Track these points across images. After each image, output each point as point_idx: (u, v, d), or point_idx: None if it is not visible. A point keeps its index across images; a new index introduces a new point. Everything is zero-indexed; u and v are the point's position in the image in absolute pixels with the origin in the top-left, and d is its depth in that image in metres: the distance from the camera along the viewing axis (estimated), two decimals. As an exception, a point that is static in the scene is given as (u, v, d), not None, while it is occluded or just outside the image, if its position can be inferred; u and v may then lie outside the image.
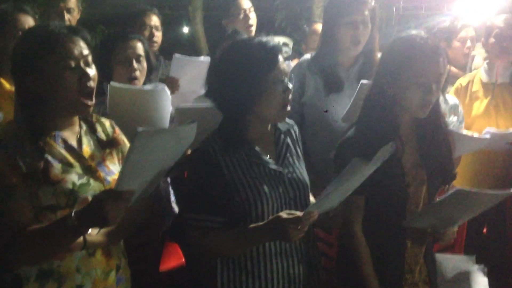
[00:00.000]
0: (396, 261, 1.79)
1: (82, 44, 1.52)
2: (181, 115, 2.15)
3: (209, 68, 1.67)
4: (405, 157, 1.76)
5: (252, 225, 1.57)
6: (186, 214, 1.65)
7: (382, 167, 1.54)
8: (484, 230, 3.00)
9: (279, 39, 5.90)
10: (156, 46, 3.17)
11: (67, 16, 2.99)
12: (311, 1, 5.86)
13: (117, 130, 1.72)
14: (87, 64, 1.52)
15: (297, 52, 6.23)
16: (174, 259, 2.69)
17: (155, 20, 3.17)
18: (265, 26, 6.60)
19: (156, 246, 2.43)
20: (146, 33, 3.10)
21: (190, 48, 7.27)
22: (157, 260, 2.47)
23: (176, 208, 2.57)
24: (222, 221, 1.60)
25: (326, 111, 2.40)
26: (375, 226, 1.78)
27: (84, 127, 1.62)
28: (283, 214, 1.49)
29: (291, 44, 5.75)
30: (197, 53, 6.59)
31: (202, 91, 2.58)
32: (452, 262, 2.00)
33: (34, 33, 1.56)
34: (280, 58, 1.60)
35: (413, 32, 1.73)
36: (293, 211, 1.51)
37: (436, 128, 1.80)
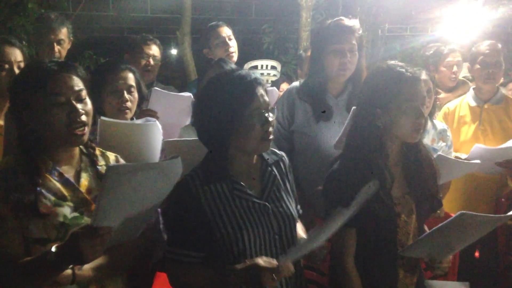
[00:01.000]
0: None
1: (74, 80, 1.53)
2: (170, 148, 2.14)
3: (194, 101, 1.68)
4: (394, 187, 1.77)
5: (228, 267, 1.53)
6: (167, 247, 1.63)
7: (372, 199, 1.55)
8: (476, 254, 3.00)
9: (267, 63, 5.94)
10: (151, 75, 3.13)
11: (57, 48, 2.93)
12: (298, 24, 5.91)
13: None
14: (79, 100, 1.53)
15: (285, 75, 6.28)
16: (164, 289, 2.64)
17: (154, 50, 3.14)
18: (252, 49, 6.65)
19: (147, 276, 2.39)
20: (143, 62, 3.07)
21: (179, 70, 7.28)
22: (148, 291, 2.43)
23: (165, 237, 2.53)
24: (201, 256, 1.59)
25: (324, 111, 2.40)
26: (366, 257, 1.78)
27: (85, 161, 1.63)
28: (261, 261, 1.46)
29: (279, 67, 5.78)
30: (186, 76, 6.60)
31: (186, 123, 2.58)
32: (446, 289, 2.00)
33: (29, 70, 1.59)
34: (259, 91, 1.59)
35: (391, 62, 1.78)
36: (271, 259, 1.48)
37: (418, 154, 1.82)
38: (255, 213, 1.61)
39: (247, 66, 5.89)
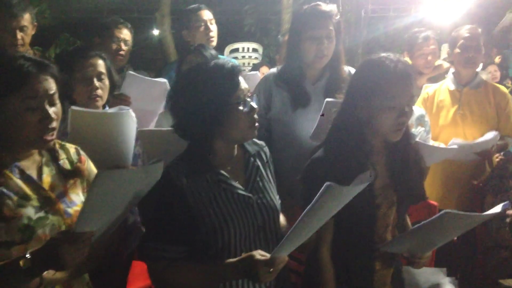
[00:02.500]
0: (363, 283, 1.78)
1: (49, 82, 1.45)
2: (144, 138, 2.09)
3: (168, 94, 1.62)
4: (376, 180, 1.73)
5: (223, 262, 1.51)
6: (146, 243, 1.58)
7: None
8: (454, 239, 3.02)
9: (248, 45, 5.87)
10: (123, 60, 3.03)
11: (19, 35, 2.79)
12: (280, 6, 5.84)
13: (83, 157, 1.65)
14: (51, 103, 1.46)
15: (267, 57, 6.23)
16: (142, 279, 2.62)
17: (125, 34, 3.02)
18: (233, 31, 6.56)
19: (120, 268, 2.36)
20: (114, 46, 2.96)
21: (160, 51, 7.18)
22: (123, 281, 2.40)
23: (143, 228, 2.50)
24: (184, 251, 1.55)
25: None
26: (343, 248, 1.76)
27: (46, 156, 1.55)
28: (256, 255, 1.44)
29: (260, 50, 5.73)
30: (166, 58, 6.50)
31: (159, 111, 2.53)
32: (423, 275, 2.00)
33: (0, 65, 1.46)
34: (240, 78, 1.57)
35: (382, 54, 1.72)
36: (266, 253, 1.46)
37: (407, 150, 1.79)
38: (240, 205, 1.59)
39: (228, 49, 5.83)
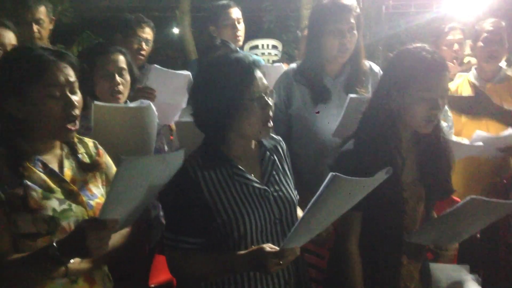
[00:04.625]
0: (391, 278, 1.76)
1: (69, 70, 1.48)
2: (180, 129, 2.11)
3: (190, 86, 1.64)
4: (404, 173, 1.72)
5: (233, 253, 1.53)
6: (165, 233, 1.61)
7: (381, 182, 1.49)
8: (477, 235, 2.97)
9: (268, 42, 5.86)
10: (142, 59, 3.06)
11: (35, 27, 2.84)
12: (300, 2, 5.81)
13: (101, 151, 1.68)
14: (72, 91, 1.49)
15: (287, 54, 6.20)
16: (164, 272, 2.64)
17: (147, 33, 3.04)
18: (253, 28, 6.55)
19: (143, 261, 2.39)
20: (135, 45, 2.98)
21: (180, 49, 7.22)
22: (145, 275, 2.43)
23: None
24: (201, 242, 1.57)
25: (318, 112, 2.36)
26: (370, 242, 1.75)
27: (66, 150, 1.58)
28: (266, 247, 1.45)
29: (280, 47, 5.71)
30: (186, 55, 6.54)
31: (183, 105, 2.54)
32: (445, 272, 1.97)
33: (20, 56, 1.50)
34: (258, 74, 1.56)
35: (418, 45, 1.70)
36: (275, 246, 1.46)
37: (437, 143, 1.77)
38: (256, 197, 1.59)
39: (247, 46, 5.83)
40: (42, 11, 2.88)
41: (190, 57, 6.19)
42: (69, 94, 1.47)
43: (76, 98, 1.49)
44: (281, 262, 1.43)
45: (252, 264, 1.47)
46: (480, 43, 2.82)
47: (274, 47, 5.65)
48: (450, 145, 1.84)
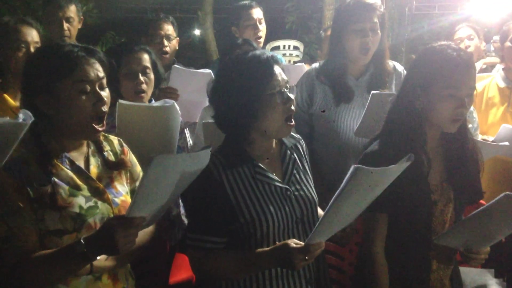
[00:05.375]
0: (420, 283, 1.71)
1: (98, 66, 1.50)
2: (207, 130, 2.12)
3: (209, 86, 1.64)
4: (432, 174, 1.68)
5: (257, 250, 1.52)
6: (188, 233, 1.61)
7: (406, 183, 1.46)
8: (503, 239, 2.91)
9: (289, 43, 5.86)
10: (167, 55, 3.09)
11: (66, 26, 2.92)
12: (322, 3, 5.80)
13: (126, 149, 1.69)
14: (101, 87, 1.50)
15: (308, 55, 6.18)
16: (184, 271, 2.66)
17: (167, 29, 3.08)
18: (275, 29, 6.56)
19: (164, 259, 2.40)
20: (157, 42, 3.03)
21: (202, 50, 7.26)
22: (166, 273, 2.44)
23: (186, 220, 2.54)
24: (224, 242, 1.57)
25: (334, 121, 2.36)
26: (398, 246, 1.71)
27: (92, 147, 1.59)
28: (291, 243, 1.44)
29: (302, 47, 5.70)
30: (207, 56, 6.57)
31: (206, 103, 2.56)
32: (470, 275, 1.94)
33: (50, 52, 1.51)
34: (277, 69, 1.55)
35: (443, 42, 1.68)
36: (300, 242, 1.45)
37: (464, 143, 1.72)
38: (278, 197, 1.59)
39: (269, 46, 5.83)
40: (72, 10, 2.96)
41: (212, 58, 6.22)
42: (99, 90, 1.48)
43: (105, 94, 1.50)
44: (306, 257, 1.41)
45: (278, 260, 1.47)
46: (508, 43, 2.76)
47: (296, 48, 5.64)
48: (477, 146, 1.80)
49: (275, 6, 6.90)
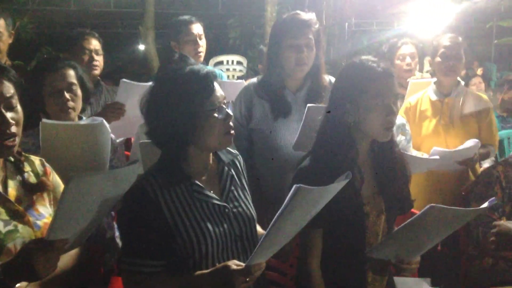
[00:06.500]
0: None
1: (5, 85, 1.41)
2: (144, 150, 2.03)
3: (142, 100, 1.57)
4: (364, 186, 1.71)
5: (197, 273, 1.47)
6: (122, 257, 1.52)
7: (340, 197, 1.47)
8: (439, 248, 3.00)
9: (232, 58, 5.88)
10: (97, 70, 3.02)
11: None
12: (264, 19, 5.86)
13: (48, 168, 1.61)
14: (9, 107, 1.41)
15: (252, 70, 6.22)
16: (122, 294, 2.55)
17: (94, 44, 2.99)
18: (218, 44, 6.57)
19: (98, 284, 2.29)
20: (85, 57, 2.94)
21: (145, 66, 7.16)
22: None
23: (120, 243, 2.44)
24: (161, 265, 1.50)
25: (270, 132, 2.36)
26: (334, 260, 1.72)
27: (9, 169, 1.51)
28: (232, 265, 1.40)
29: (245, 63, 5.73)
30: (149, 72, 6.47)
31: None
32: (407, 285, 1.96)
33: None
34: (216, 85, 1.53)
35: (363, 57, 1.74)
36: (240, 263, 1.42)
37: (392, 155, 1.77)
38: (216, 215, 1.55)
39: (212, 61, 5.82)
40: (1, 25, 2.81)
41: (154, 73, 6.14)
42: (4, 110, 1.40)
43: (13, 114, 1.42)
44: (247, 279, 1.38)
45: (219, 282, 1.42)
46: (438, 58, 2.86)
47: (239, 63, 5.66)
48: (405, 158, 1.85)
49: (218, 21, 6.92)
